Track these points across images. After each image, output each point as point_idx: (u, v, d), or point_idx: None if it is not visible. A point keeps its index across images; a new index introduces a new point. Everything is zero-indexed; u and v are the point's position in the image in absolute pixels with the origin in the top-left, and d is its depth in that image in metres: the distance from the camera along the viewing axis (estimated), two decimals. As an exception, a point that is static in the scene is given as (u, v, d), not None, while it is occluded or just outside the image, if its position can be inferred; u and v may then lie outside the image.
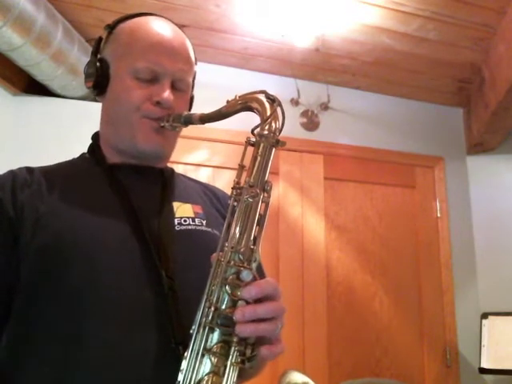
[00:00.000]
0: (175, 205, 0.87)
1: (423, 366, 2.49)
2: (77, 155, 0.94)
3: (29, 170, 0.84)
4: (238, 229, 0.69)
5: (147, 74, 0.84)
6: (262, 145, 0.74)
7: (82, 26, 2.13)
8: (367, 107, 2.73)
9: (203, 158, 2.39)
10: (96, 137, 0.92)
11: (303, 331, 2.32)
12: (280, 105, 0.76)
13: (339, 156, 2.61)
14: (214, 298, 0.66)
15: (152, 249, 0.77)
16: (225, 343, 0.65)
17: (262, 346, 0.65)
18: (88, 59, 0.91)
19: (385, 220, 2.62)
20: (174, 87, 0.86)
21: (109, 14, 2.03)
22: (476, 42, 2.34)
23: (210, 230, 0.86)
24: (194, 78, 0.93)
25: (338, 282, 2.46)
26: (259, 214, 0.71)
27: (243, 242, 0.68)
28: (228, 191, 0.80)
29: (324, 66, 2.53)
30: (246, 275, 0.66)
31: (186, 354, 0.65)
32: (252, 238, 0.69)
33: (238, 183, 0.73)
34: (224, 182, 2.25)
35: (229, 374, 0.64)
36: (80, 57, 2.04)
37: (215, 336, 0.65)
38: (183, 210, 0.87)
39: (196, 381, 0.64)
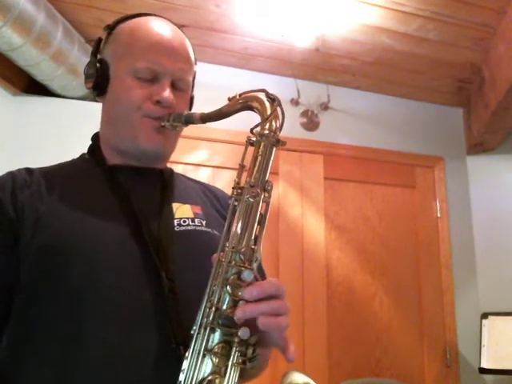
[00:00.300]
0: (175, 206, 0.87)
1: (423, 366, 2.49)
2: (77, 155, 0.94)
3: (28, 170, 0.84)
4: (238, 229, 0.69)
5: (147, 73, 0.84)
6: (262, 144, 0.74)
7: (82, 26, 2.13)
8: (367, 107, 2.73)
9: (203, 158, 2.38)
10: (96, 138, 0.92)
11: (303, 331, 2.31)
12: (280, 104, 0.76)
13: (339, 156, 2.61)
14: (215, 299, 0.66)
15: (152, 250, 0.77)
16: (226, 343, 0.65)
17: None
18: (88, 59, 0.90)
19: (385, 220, 2.62)
20: (174, 87, 0.86)
21: (109, 14, 2.03)
22: (476, 42, 2.33)
23: (209, 230, 0.86)
24: (194, 78, 0.93)
25: (338, 282, 2.46)
26: (260, 214, 0.70)
27: (244, 242, 0.68)
28: (228, 191, 0.80)
29: (324, 66, 2.52)
30: (247, 275, 0.65)
31: (187, 354, 0.65)
32: (253, 237, 0.69)
33: (238, 183, 0.73)
34: (224, 182, 2.25)
35: (230, 375, 0.64)
36: (80, 57, 2.04)
37: (216, 336, 0.65)
38: (182, 211, 0.87)
39: (197, 381, 0.64)
